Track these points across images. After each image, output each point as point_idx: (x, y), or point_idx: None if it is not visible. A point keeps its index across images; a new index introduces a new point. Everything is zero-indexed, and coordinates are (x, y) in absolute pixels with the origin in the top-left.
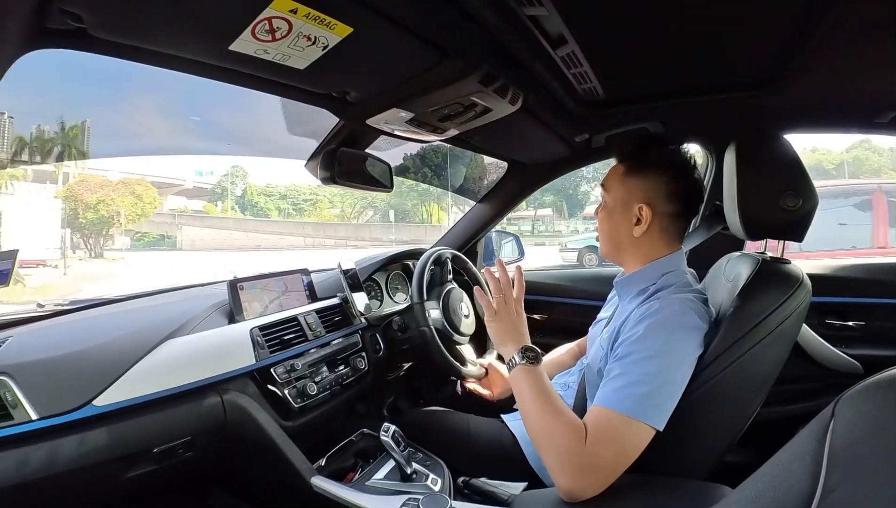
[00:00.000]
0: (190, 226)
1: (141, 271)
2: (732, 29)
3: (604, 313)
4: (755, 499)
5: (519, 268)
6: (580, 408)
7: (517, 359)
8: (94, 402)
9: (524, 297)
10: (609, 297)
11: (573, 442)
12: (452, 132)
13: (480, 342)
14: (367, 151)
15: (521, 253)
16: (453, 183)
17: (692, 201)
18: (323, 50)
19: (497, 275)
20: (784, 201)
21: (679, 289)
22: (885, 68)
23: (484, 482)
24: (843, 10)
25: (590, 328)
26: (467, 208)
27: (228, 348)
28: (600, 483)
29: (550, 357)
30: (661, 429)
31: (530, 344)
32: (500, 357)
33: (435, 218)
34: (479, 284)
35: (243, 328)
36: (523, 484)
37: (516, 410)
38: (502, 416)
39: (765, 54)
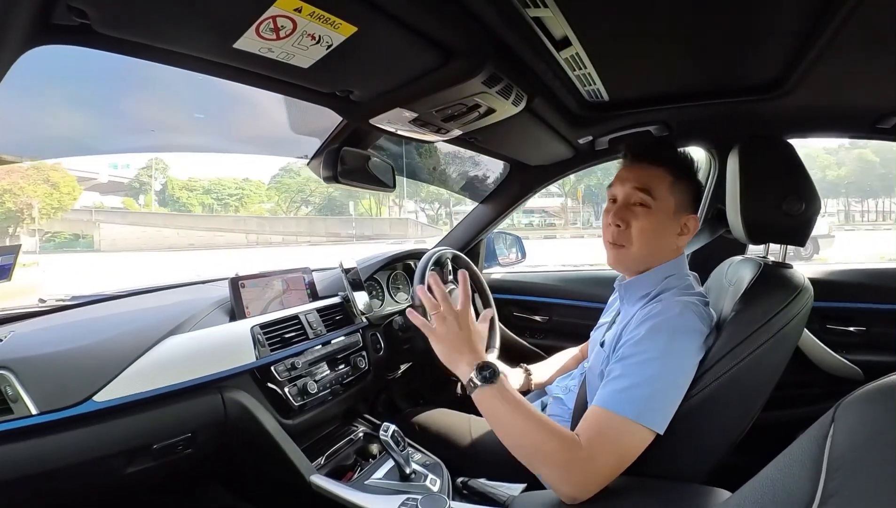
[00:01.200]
0: (110, 223)
1: (67, 279)
2: (737, 34)
3: (605, 318)
4: (754, 503)
5: (463, 274)
6: (580, 411)
7: (476, 380)
8: (95, 398)
9: (527, 299)
10: (610, 301)
11: (569, 453)
12: (456, 133)
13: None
14: (370, 150)
15: (523, 254)
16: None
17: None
18: (327, 49)
19: (432, 291)
20: (787, 206)
21: (681, 292)
22: (889, 74)
23: (483, 482)
24: (847, 17)
25: (591, 333)
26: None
27: (229, 345)
28: (599, 485)
29: (555, 363)
30: (662, 433)
31: (485, 359)
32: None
33: (375, 211)
34: (480, 285)
35: (244, 326)
36: (522, 486)
37: None
38: None
39: (769, 59)
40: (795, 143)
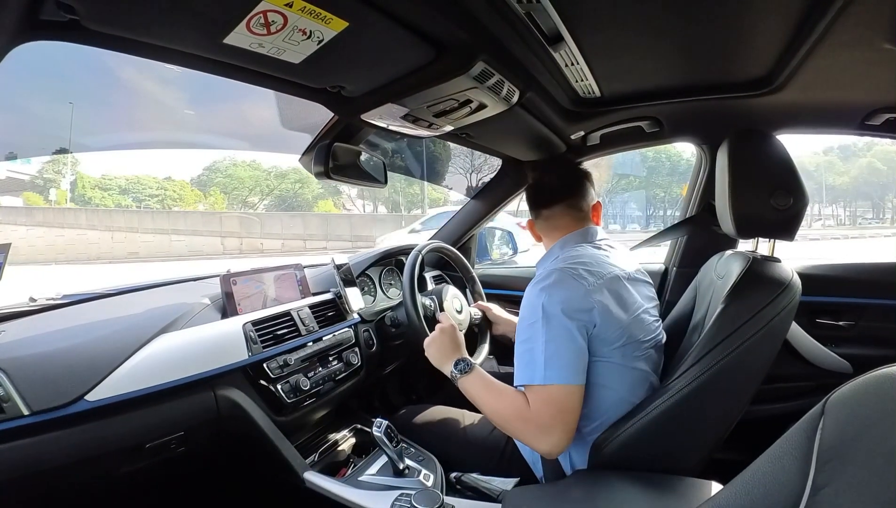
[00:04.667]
0: (8, 225)
1: None
2: (728, 31)
3: None
4: (745, 495)
5: (444, 315)
6: None
7: (456, 373)
8: (87, 397)
9: (518, 294)
10: None
11: (521, 405)
12: (447, 128)
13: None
14: (361, 146)
15: (515, 250)
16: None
17: (550, 192)
18: (318, 44)
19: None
20: (775, 201)
21: (564, 260)
22: (877, 71)
23: (476, 477)
24: (837, 14)
25: None
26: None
27: (221, 343)
28: (562, 438)
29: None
30: (578, 383)
31: (463, 355)
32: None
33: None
34: (471, 279)
35: (236, 323)
36: (515, 480)
37: None
38: None
39: (760, 56)
40: (795, 141)
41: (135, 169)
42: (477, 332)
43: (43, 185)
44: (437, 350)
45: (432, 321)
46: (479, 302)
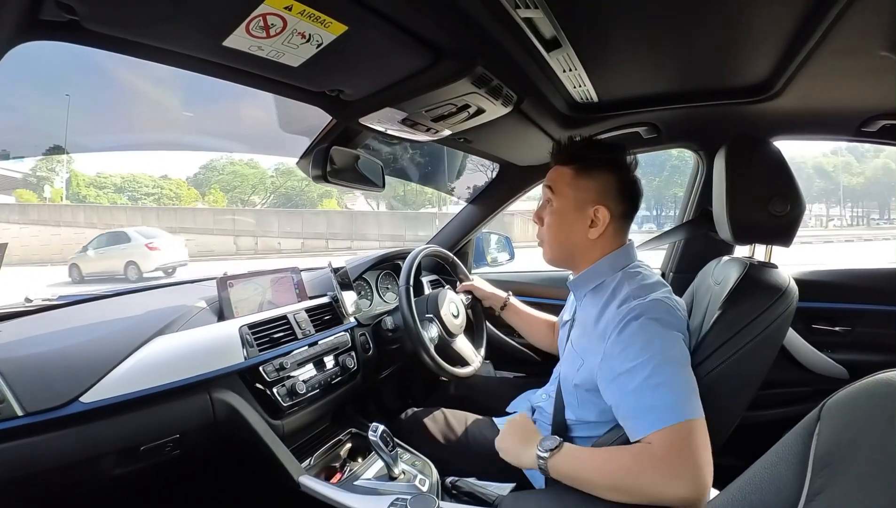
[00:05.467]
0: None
1: None
2: (726, 38)
3: (566, 316)
4: (742, 500)
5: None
6: (559, 415)
7: (544, 455)
8: (82, 399)
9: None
10: (568, 300)
11: (639, 451)
12: (445, 132)
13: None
14: (359, 150)
15: (512, 254)
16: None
17: (637, 199)
18: (317, 48)
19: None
20: (773, 207)
21: (651, 287)
22: (873, 78)
23: (472, 482)
24: (834, 21)
25: (560, 329)
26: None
27: (217, 345)
28: (706, 483)
29: (534, 317)
30: (700, 416)
31: (542, 436)
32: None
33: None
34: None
35: (232, 326)
36: (511, 485)
37: (508, 414)
38: (494, 419)
39: (757, 63)
40: (791, 145)
41: (130, 167)
42: (473, 321)
43: (36, 183)
44: (514, 443)
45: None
46: (465, 283)
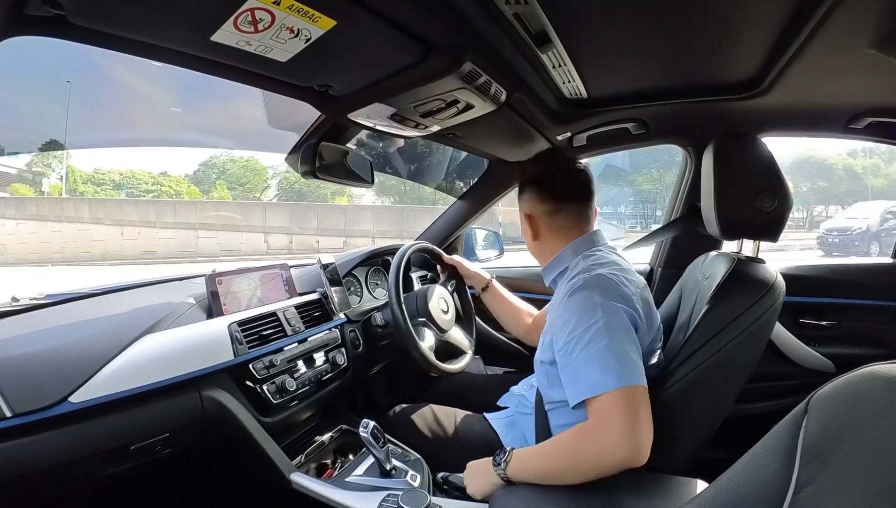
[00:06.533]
0: None
1: None
2: (715, 35)
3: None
4: (731, 493)
5: None
6: (539, 403)
7: (500, 469)
8: (71, 399)
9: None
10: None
11: (576, 431)
12: (434, 128)
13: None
14: (349, 145)
15: (501, 250)
16: None
17: (563, 191)
18: (306, 43)
19: None
20: (760, 203)
21: (599, 265)
22: (860, 75)
23: (463, 477)
24: (822, 19)
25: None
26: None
27: (206, 343)
28: (648, 434)
29: (514, 303)
30: (641, 383)
31: (492, 455)
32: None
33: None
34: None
35: (221, 324)
36: None
37: (500, 409)
38: (486, 415)
39: (746, 60)
40: (843, 144)
41: (128, 164)
42: (461, 309)
43: (32, 179)
44: (478, 480)
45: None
46: (450, 257)
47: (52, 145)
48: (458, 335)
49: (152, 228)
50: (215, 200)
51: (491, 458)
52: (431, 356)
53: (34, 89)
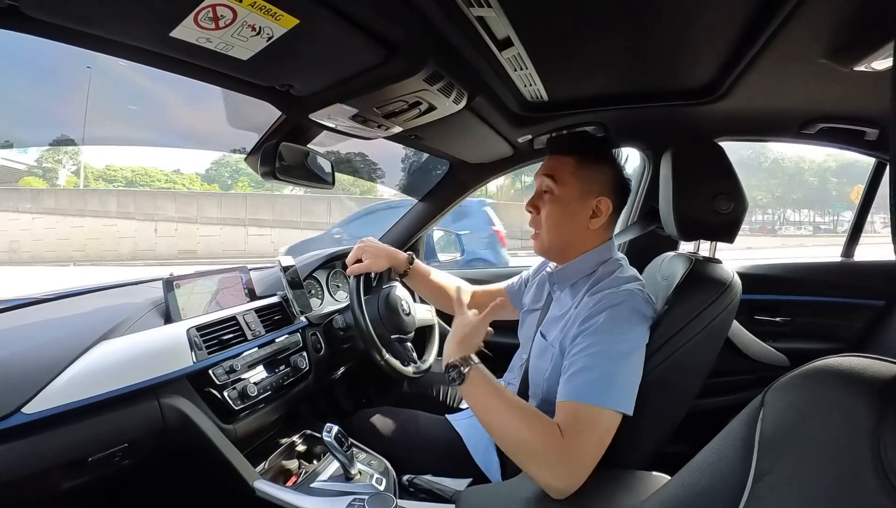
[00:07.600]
0: (7, 212)
1: None
2: (674, 41)
3: (534, 304)
4: (692, 486)
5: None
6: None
7: (471, 364)
8: (24, 409)
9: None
10: (533, 285)
11: (550, 442)
12: (396, 129)
13: (424, 340)
14: (310, 146)
15: (463, 251)
16: None
17: (627, 197)
18: (267, 41)
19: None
20: (717, 205)
21: (622, 279)
22: (813, 83)
23: (429, 479)
24: (777, 28)
25: (522, 314)
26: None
27: (165, 349)
28: (583, 475)
29: (434, 278)
30: (630, 413)
31: (470, 356)
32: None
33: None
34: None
35: (180, 329)
36: (467, 480)
37: (461, 410)
38: (448, 416)
39: (703, 66)
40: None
41: (140, 161)
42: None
43: (42, 174)
44: (456, 345)
45: (382, 331)
46: (352, 264)
47: (62, 141)
48: (421, 334)
49: (192, 223)
50: (273, 192)
51: (470, 355)
52: (395, 362)
53: (39, 83)
